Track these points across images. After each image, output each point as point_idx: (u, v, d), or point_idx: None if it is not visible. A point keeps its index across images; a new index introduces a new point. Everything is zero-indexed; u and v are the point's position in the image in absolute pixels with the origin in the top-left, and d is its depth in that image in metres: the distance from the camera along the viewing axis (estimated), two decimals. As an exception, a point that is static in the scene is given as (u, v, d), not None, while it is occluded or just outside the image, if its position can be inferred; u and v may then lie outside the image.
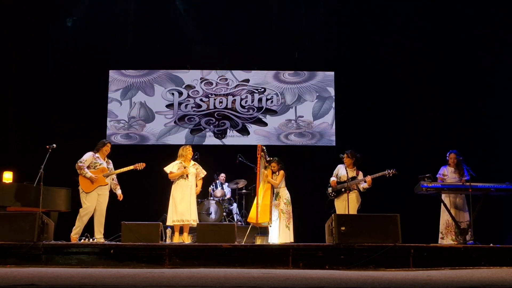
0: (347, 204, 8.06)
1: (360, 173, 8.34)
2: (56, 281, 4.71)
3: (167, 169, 8.27)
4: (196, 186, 8.39)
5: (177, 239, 8.12)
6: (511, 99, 9.97)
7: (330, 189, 8.40)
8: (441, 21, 11.40)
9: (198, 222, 8.19)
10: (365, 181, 8.15)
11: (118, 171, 8.18)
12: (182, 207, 8.08)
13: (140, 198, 11.14)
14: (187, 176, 8.21)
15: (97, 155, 8.08)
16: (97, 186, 7.94)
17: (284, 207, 8.26)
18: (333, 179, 8.44)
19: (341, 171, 8.43)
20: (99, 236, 7.90)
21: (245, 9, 11.70)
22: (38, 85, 11.44)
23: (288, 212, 8.28)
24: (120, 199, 8.27)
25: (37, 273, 5.42)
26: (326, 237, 7.23)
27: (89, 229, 8.04)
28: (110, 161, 8.23)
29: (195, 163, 8.48)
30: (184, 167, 8.24)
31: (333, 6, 11.57)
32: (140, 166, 8.26)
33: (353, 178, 8.25)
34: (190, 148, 8.44)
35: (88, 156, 7.99)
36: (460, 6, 11.01)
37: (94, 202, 7.94)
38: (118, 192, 8.25)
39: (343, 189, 8.23)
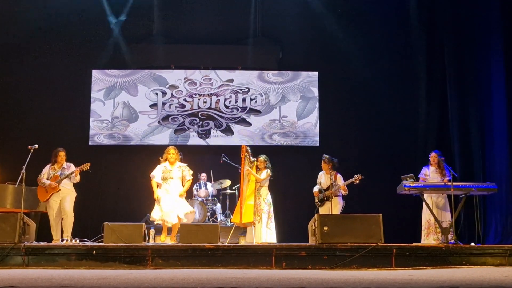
0: (330, 211, 8.26)
1: (339, 177, 8.47)
2: (37, 283, 4.68)
3: (152, 173, 8.22)
4: (183, 186, 8.24)
5: (164, 239, 7.98)
6: (492, 99, 10.06)
7: (315, 199, 8.62)
8: (424, 22, 11.50)
9: (185, 217, 8.03)
10: (342, 189, 8.36)
11: (64, 176, 8.27)
12: (167, 208, 7.93)
13: (123, 198, 11.12)
14: (170, 180, 8.10)
15: (53, 166, 8.40)
16: (51, 194, 8.19)
17: (265, 207, 8.27)
18: (315, 190, 8.65)
19: (322, 179, 8.63)
20: (65, 236, 8.05)
21: (229, 9, 11.71)
22: (20, 85, 11.33)
23: (268, 212, 8.28)
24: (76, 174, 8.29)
25: (17, 275, 5.37)
26: (309, 237, 7.25)
27: (71, 230, 8.00)
28: (71, 164, 8.43)
29: (181, 165, 8.33)
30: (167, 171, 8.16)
31: (317, 6, 11.59)
32: (86, 166, 8.28)
33: (331, 185, 8.37)
34: (173, 150, 8.29)
35: (45, 170, 8.39)
36: (444, 7, 11.12)
37: (52, 209, 8.21)
38: (77, 177, 8.37)
39: (324, 198, 8.47)
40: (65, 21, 11.41)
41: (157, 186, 8.13)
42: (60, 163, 8.37)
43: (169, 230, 8.10)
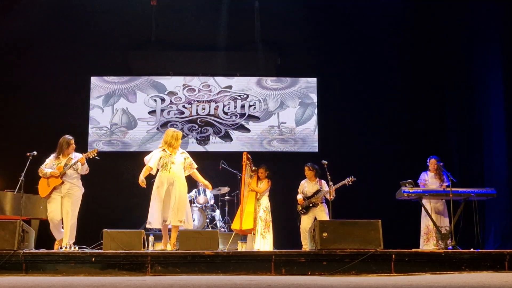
0: (316, 218, 8.31)
1: (324, 183, 8.50)
2: (36, 290, 4.67)
3: (147, 158, 7.42)
4: (198, 179, 7.49)
5: (165, 245, 7.45)
6: (491, 105, 10.08)
7: (299, 207, 8.60)
8: (423, 28, 11.54)
9: (185, 222, 7.29)
10: (329, 193, 8.30)
11: (69, 166, 7.36)
12: (164, 206, 7.16)
13: (122, 205, 11.10)
14: (171, 166, 7.22)
15: (58, 156, 7.49)
16: (53, 188, 7.37)
17: (263, 214, 8.29)
18: (299, 197, 8.64)
19: (306, 187, 8.63)
20: (65, 243, 7.30)
21: (228, 16, 11.73)
22: (18, 92, 11.34)
23: (265, 220, 8.29)
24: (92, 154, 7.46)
25: (16, 282, 5.36)
26: (308, 243, 7.25)
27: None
28: (79, 154, 7.49)
29: (184, 151, 7.52)
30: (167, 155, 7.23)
31: (316, 13, 11.63)
32: (93, 153, 7.46)
33: (317, 191, 8.39)
34: (180, 135, 7.41)
35: (48, 160, 7.54)
36: (438, 15, 11.16)
37: (55, 207, 7.37)
38: (84, 166, 7.47)
39: (310, 204, 8.46)
40: (63, 28, 11.44)
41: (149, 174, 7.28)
42: (67, 154, 7.45)
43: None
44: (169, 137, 7.38)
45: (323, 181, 8.53)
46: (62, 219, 7.44)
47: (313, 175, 8.59)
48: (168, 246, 7.41)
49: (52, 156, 7.56)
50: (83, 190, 7.64)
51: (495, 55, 9.99)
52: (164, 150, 7.32)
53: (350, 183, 8.32)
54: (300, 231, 8.59)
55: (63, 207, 7.38)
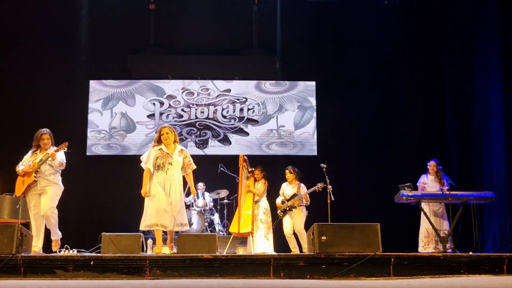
0: (292, 221, 8.39)
1: (302, 187, 8.47)
2: (34, 294, 4.66)
3: (143, 158, 6.99)
4: (189, 182, 6.98)
5: (159, 250, 7.04)
6: (490, 108, 10.10)
7: (278, 211, 8.57)
8: (422, 32, 11.58)
9: (185, 226, 6.90)
10: (304, 198, 8.36)
11: (42, 162, 6.85)
12: (159, 209, 6.72)
13: (121, 208, 11.08)
14: (168, 167, 6.78)
15: (35, 152, 7.02)
16: (27, 186, 6.91)
17: (263, 216, 8.29)
18: (278, 201, 8.59)
19: (285, 189, 8.61)
20: (53, 237, 7.01)
21: (226, 20, 11.76)
22: (16, 95, 11.33)
23: (267, 222, 8.31)
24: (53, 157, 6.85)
25: (14, 286, 5.36)
26: (307, 247, 7.24)
27: (69, 240, 7.95)
28: (53, 149, 6.96)
29: (183, 149, 7.02)
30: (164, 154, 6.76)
31: (314, 16, 11.65)
32: (63, 146, 7.00)
33: (294, 195, 8.40)
34: (167, 129, 6.92)
35: (25, 157, 7.07)
36: (442, 18, 11.20)
37: (30, 206, 6.97)
38: (56, 161, 6.90)
39: (287, 208, 8.44)
40: (62, 32, 11.45)
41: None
42: (44, 149, 6.96)
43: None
44: (161, 134, 6.88)
45: (302, 185, 8.49)
46: (42, 220, 7.02)
47: (293, 178, 8.56)
48: (165, 249, 7.24)
49: (30, 152, 7.08)
50: (62, 187, 7.14)
51: (494, 59, 10.01)
52: (161, 149, 6.85)
53: (320, 189, 8.26)
54: (284, 235, 8.57)
55: (41, 206, 6.92)
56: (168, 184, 6.76)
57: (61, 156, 7.03)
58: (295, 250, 8.31)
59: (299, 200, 8.37)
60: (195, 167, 7.00)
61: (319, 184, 8.27)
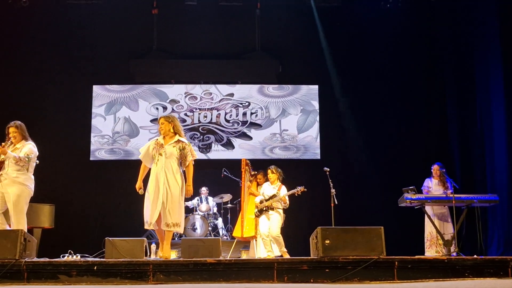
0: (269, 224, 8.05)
1: (282, 189, 8.21)
2: (38, 299, 4.66)
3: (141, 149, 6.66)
4: (187, 176, 6.43)
5: (160, 250, 6.95)
6: (492, 111, 10.08)
7: (255, 210, 8.25)
8: (423, 33, 11.57)
9: (175, 226, 6.46)
10: (282, 200, 8.09)
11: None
12: (149, 204, 6.37)
13: (124, 213, 11.09)
14: (158, 158, 6.32)
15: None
16: None
17: None
18: (256, 200, 8.28)
19: (266, 189, 8.31)
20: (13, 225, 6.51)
21: (229, 24, 11.77)
22: (20, 100, 11.35)
23: None
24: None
25: (18, 291, 5.35)
26: (311, 251, 7.22)
27: (72, 245, 7.96)
28: (28, 143, 6.66)
29: (182, 140, 6.49)
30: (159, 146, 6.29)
31: (317, 20, 11.66)
32: (7, 142, 6.47)
33: (273, 196, 8.12)
34: (162, 120, 6.48)
35: None
36: (443, 19, 11.20)
37: None
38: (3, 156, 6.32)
39: (264, 208, 8.16)
40: (66, 37, 11.49)
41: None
42: (14, 143, 6.52)
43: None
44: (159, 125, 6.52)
45: (283, 187, 8.21)
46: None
47: (276, 178, 8.26)
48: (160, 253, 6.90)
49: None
50: (29, 188, 6.69)
51: (496, 62, 10.00)
52: (156, 140, 6.48)
53: (299, 193, 8.06)
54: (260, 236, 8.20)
55: (10, 212, 6.51)
56: (158, 177, 6.31)
57: (27, 150, 6.50)
58: (270, 254, 7.90)
59: (277, 201, 8.10)
60: (191, 159, 6.46)
61: (299, 187, 8.04)
